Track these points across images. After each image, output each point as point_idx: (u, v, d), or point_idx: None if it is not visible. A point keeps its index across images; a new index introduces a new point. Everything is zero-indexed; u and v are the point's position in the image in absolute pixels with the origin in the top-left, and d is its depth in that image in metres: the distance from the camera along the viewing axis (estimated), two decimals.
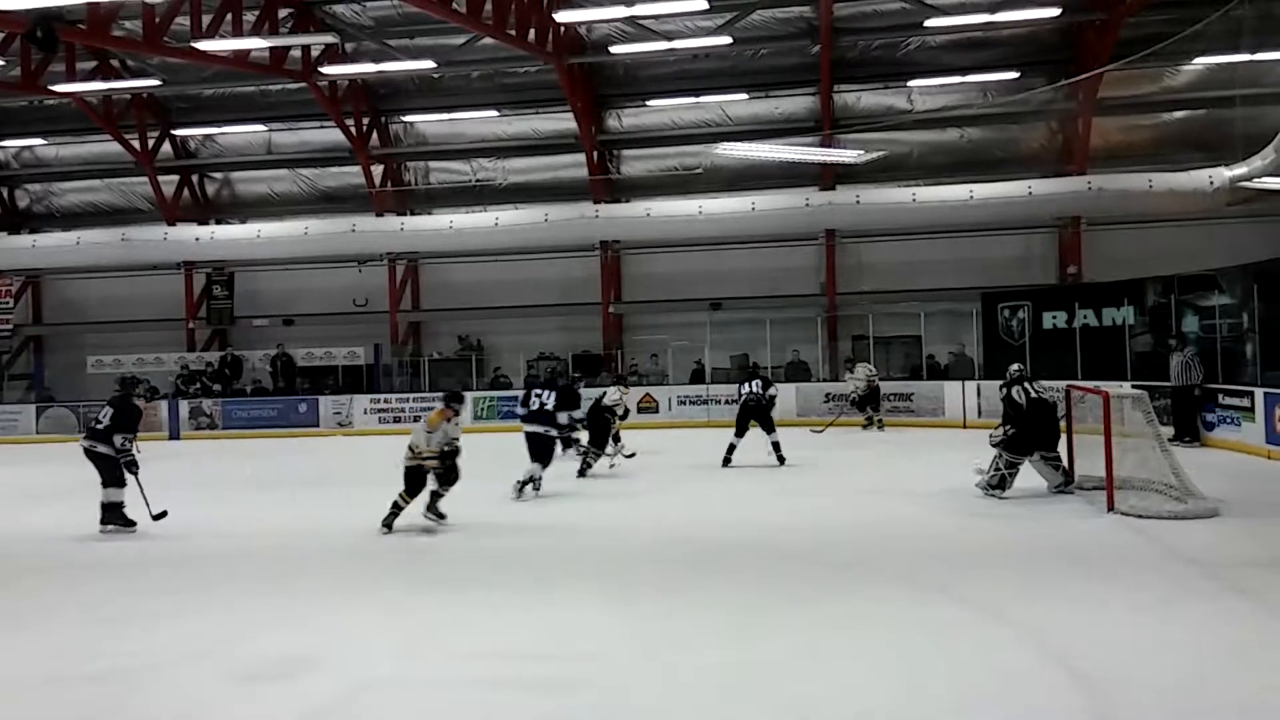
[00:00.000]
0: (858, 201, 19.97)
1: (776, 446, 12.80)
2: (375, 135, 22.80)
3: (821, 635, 5.58)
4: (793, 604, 6.22)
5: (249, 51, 18.57)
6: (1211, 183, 18.18)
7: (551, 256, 22.63)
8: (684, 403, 19.99)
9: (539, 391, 11.52)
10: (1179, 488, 8.79)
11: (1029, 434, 9.67)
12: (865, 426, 17.85)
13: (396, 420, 20.60)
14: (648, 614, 6.09)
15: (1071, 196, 19.40)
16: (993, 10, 17.32)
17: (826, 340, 20.95)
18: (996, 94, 20.21)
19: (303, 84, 20.60)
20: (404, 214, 23.14)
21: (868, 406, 17.94)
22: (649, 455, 14.58)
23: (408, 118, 22.81)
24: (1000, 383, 10.13)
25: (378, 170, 23.06)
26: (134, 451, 9.23)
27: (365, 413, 20.79)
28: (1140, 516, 8.44)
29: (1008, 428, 9.71)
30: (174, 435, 21.01)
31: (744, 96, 21.26)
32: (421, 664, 5.26)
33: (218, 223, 24.15)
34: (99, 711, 4.71)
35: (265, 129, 23.31)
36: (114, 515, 9.16)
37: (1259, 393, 12.52)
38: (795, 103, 21.39)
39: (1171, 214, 19.01)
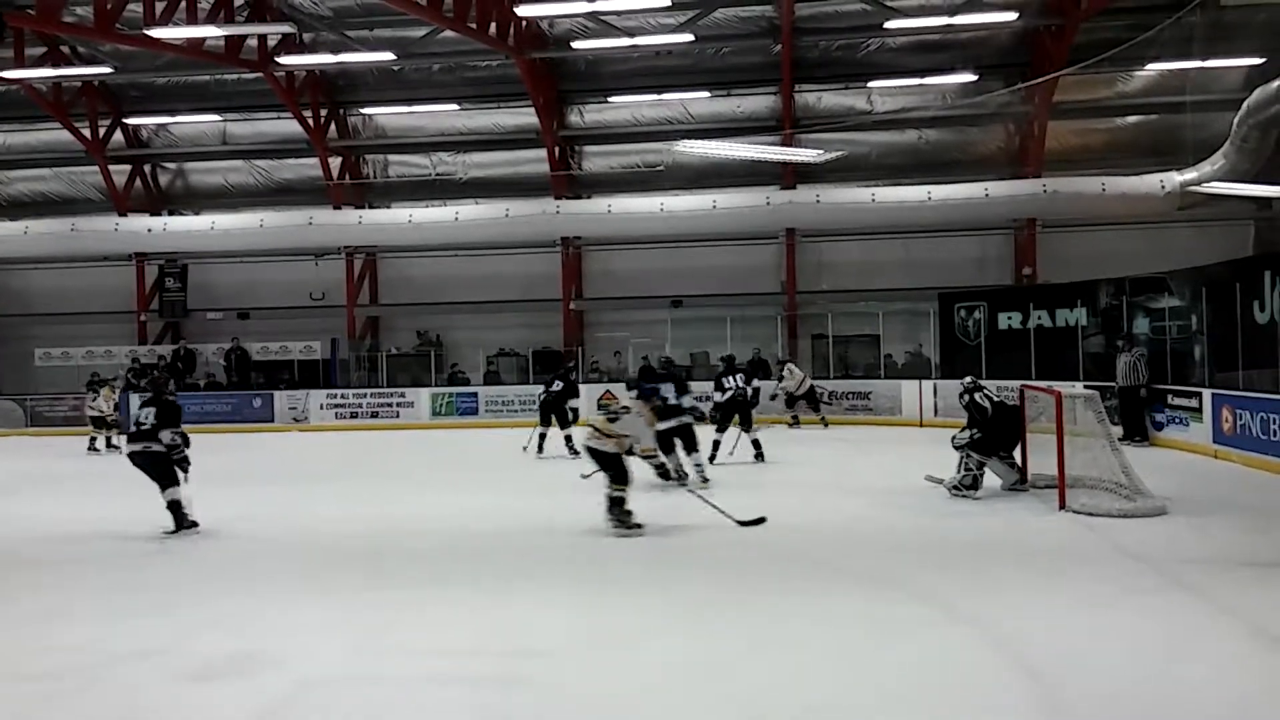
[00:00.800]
0: (818, 201, 20.11)
1: (757, 444, 12.63)
2: (333, 127, 22.51)
3: (776, 630, 5.60)
4: (749, 599, 6.24)
5: (204, 40, 18.26)
6: (1163, 187, 18.55)
7: (512, 252, 22.51)
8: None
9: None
10: (1128, 486, 8.94)
11: (995, 436, 9.86)
12: (791, 425, 18.04)
13: (353, 416, 20.40)
14: (601, 610, 6.08)
15: (1027, 199, 19.68)
16: (952, 13, 17.52)
17: (786, 338, 21.05)
18: (955, 96, 20.44)
19: (259, 74, 20.28)
20: (362, 207, 22.90)
21: (797, 405, 18.09)
22: None
23: (367, 110, 22.56)
24: (960, 390, 10.24)
25: (335, 162, 22.78)
26: (184, 448, 8.78)
27: (322, 408, 20.54)
28: (1090, 514, 8.58)
29: (974, 431, 9.87)
30: (125, 430, 20.58)
31: (706, 94, 21.30)
32: (373, 661, 5.20)
33: (171, 214, 23.69)
34: (46, 709, 4.61)
35: (220, 119, 22.92)
36: (179, 515, 8.66)
37: (1207, 394, 12.77)
38: (757, 102, 21.47)
39: (1124, 217, 19.36)
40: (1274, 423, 11.02)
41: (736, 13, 19.65)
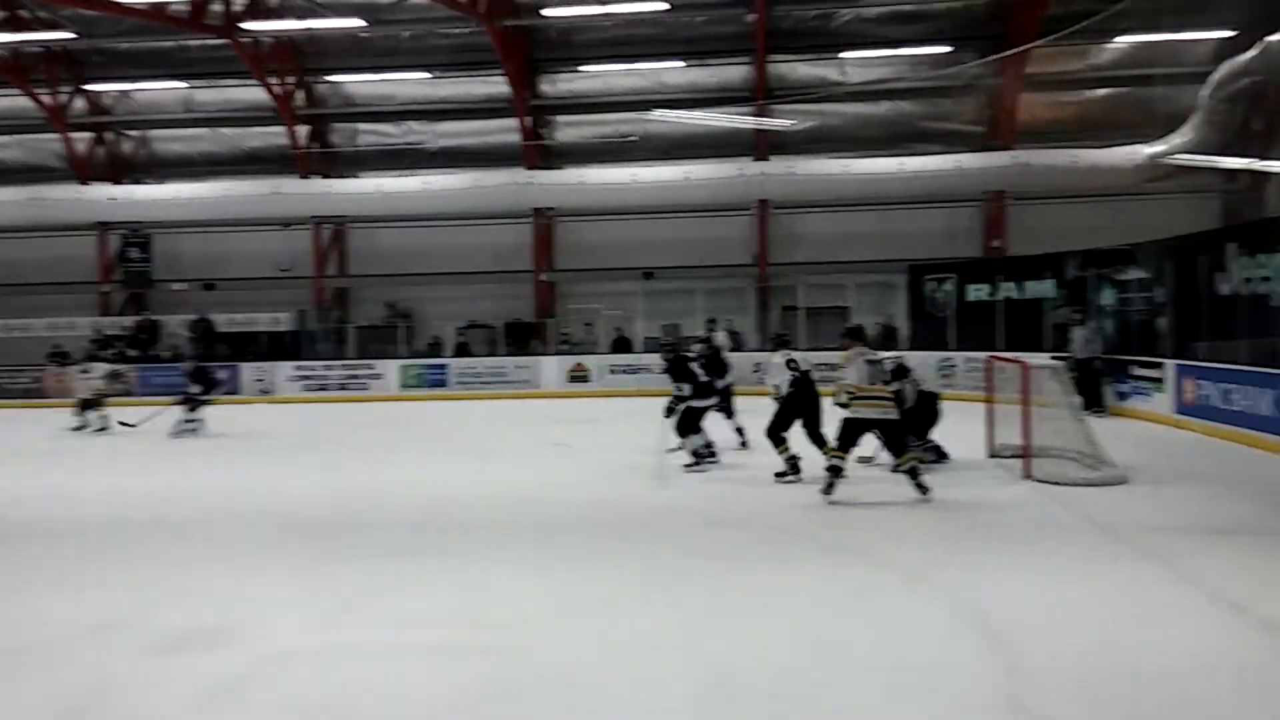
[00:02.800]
0: (791, 172, 20.08)
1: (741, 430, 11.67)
2: (301, 95, 22.18)
3: (745, 598, 5.62)
4: (718, 569, 6.26)
5: (167, 4, 17.86)
6: (1132, 159, 18.66)
7: (483, 223, 22.34)
8: (615, 371, 19.95)
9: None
10: (1092, 456, 9.05)
11: (911, 420, 9.70)
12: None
13: (321, 388, 20.23)
14: (571, 580, 6.07)
15: (998, 171, 19.76)
16: None
17: (758, 310, 21.08)
18: (928, 68, 20.42)
19: (224, 40, 19.89)
20: (331, 177, 22.62)
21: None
22: (579, 424, 14.61)
23: (335, 77, 22.23)
24: (889, 360, 9.86)
25: (303, 131, 22.47)
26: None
27: (289, 380, 20.35)
28: (1055, 484, 8.67)
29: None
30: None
31: (680, 64, 21.16)
32: (338, 633, 5.16)
33: (135, 182, 23.31)
34: (12, 684, 4.54)
35: (185, 86, 22.53)
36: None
37: (1170, 365, 12.92)
38: (731, 72, 21.36)
39: (1093, 189, 19.48)
40: (1234, 393, 11.18)
41: None
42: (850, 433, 8.20)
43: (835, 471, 8.11)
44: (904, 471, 8.13)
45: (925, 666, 4.51)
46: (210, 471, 10.95)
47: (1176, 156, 17.53)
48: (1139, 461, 9.44)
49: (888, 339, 18.01)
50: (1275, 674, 4.32)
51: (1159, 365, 13.18)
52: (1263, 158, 18.42)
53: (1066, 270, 16.37)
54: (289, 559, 6.82)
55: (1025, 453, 9.03)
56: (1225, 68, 16.08)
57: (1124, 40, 18.79)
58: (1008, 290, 17.43)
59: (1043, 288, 16.76)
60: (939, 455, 9.98)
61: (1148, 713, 3.97)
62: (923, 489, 7.92)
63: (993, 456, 10.10)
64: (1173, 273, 13.53)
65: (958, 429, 10.09)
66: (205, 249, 23.32)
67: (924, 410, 9.85)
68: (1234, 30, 17.45)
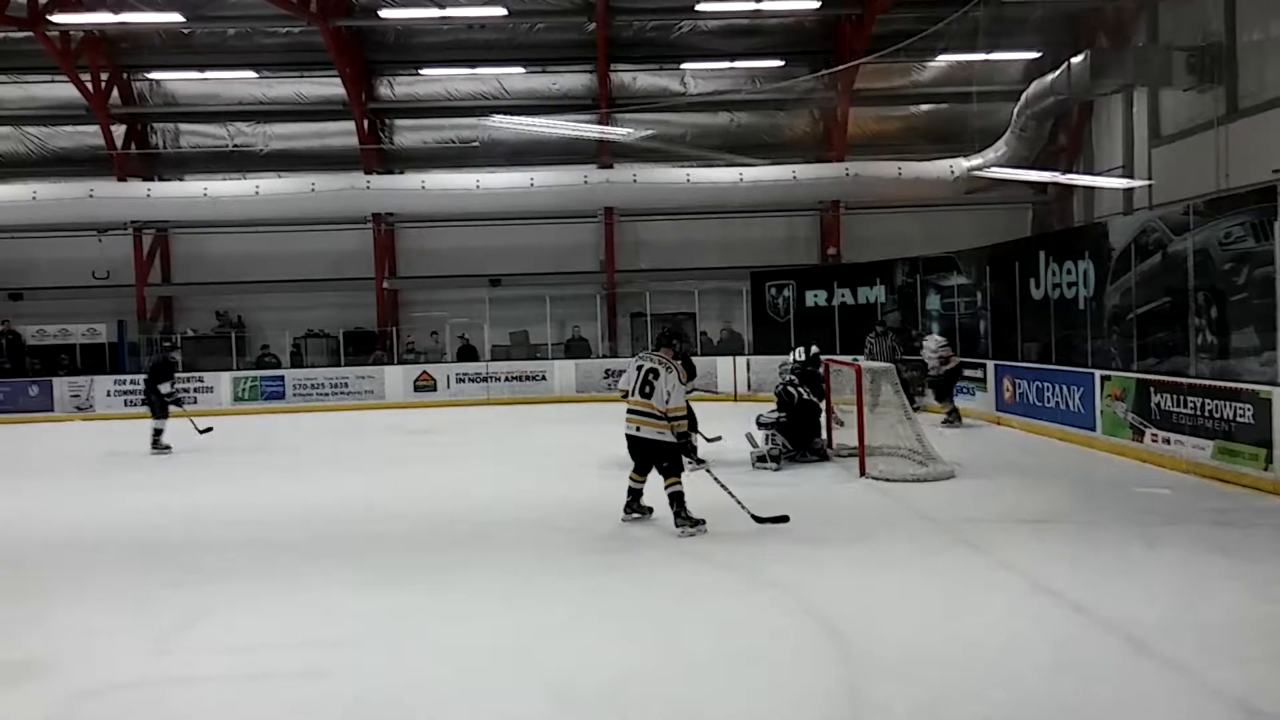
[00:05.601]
0: (635, 180, 20.29)
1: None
2: (116, 92, 20.82)
3: (584, 605, 5.61)
4: (558, 577, 6.23)
5: None
6: (952, 172, 19.79)
7: (320, 229, 21.57)
8: (462, 380, 19.62)
9: None
10: (922, 453, 9.52)
11: (797, 426, 10.35)
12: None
13: (144, 403, 18.96)
14: (409, 595, 5.91)
15: (831, 181, 20.54)
16: None
17: (606, 317, 21.17)
18: (764, 81, 21.04)
19: (29, 33, 18.47)
20: (151, 179, 21.33)
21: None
22: (420, 434, 14.32)
23: (154, 75, 20.98)
24: (783, 372, 10.68)
25: (119, 131, 21.09)
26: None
27: (109, 395, 19.02)
28: (888, 480, 9.08)
29: (781, 414, 10.37)
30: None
31: (521, 70, 21.04)
32: (167, 662, 4.85)
33: None
34: None
35: None
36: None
37: (990, 365, 13.75)
38: (573, 79, 21.39)
39: (918, 200, 20.55)
40: (1047, 391, 11.99)
41: None
42: (629, 450, 7.47)
43: (629, 493, 7.57)
44: (669, 494, 7.22)
45: (768, 660, 4.61)
46: (14, 495, 10.10)
47: (991, 170, 18.68)
48: (964, 457, 9.99)
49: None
50: (1084, 649, 4.63)
51: (980, 366, 13.99)
52: (1067, 171, 19.90)
53: (896, 276, 17.17)
54: (112, 585, 6.36)
55: (860, 451, 9.41)
56: (1034, 87, 17.23)
57: (943, 59, 19.90)
58: (843, 296, 18.14)
59: (875, 293, 17.54)
60: (821, 456, 10.38)
61: (973, 690, 4.17)
62: (685, 521, 7.12)
63: (820, 454, 10.49)
64: (991, 278, 14.38)
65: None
66: (10, 255, 21.53)
67: (806, 417, 10.46)
68: (1041, 52, 18.79)
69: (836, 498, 8.62)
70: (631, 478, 7.56)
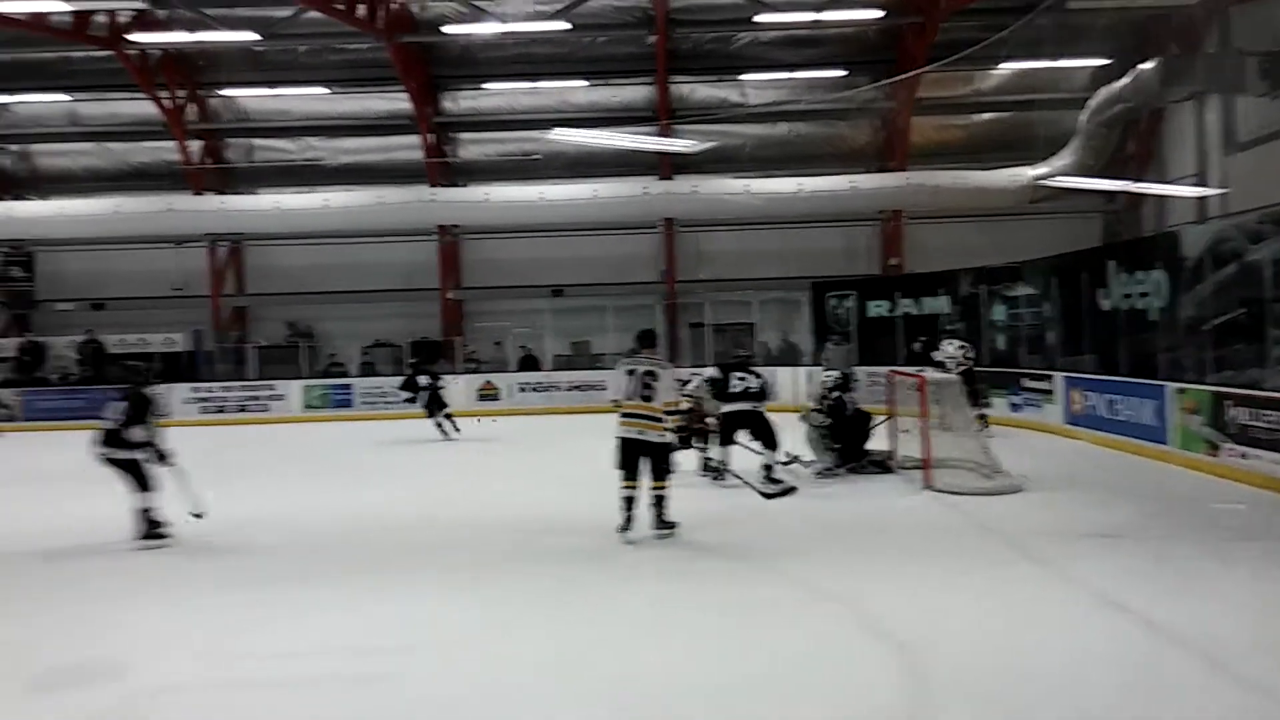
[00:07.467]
0: (694, 191, 20.37)
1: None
2: (192, 109, 21.51)
3: (645, 615, 5.65)
4: (618, 586, 6.29)
5: (48, 15, 17.16)
6: (1016, 181, 19.50)
7: (387, 241, 22.01)
8: (525, 389, 19.85)
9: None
10: (988, 466, 9.41)
11: (843, 434, 10.35)
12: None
13: (220, 410, 19.60)
14: (467, 602, 5.98)
15: (892, 191, 20.40)
16: (819, 9, 17.96)
17: (666, 327, 21.26)
18: (824, 91, 20.98)
19: (110, 51, 19.20)
20: (225, 193, 21.98)
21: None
22: (480, 442, 14.50)
23: (228, 91, 21.63)
24: (830, 384, 10.65)
25: (196, 146, 21.79)
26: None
27: (185, 402, 19.63)
28: (953, 493, 8.98)
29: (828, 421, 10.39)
30: None
31: (582, 83, 21.26)
32: (224, 666, 4.98)
33: (16, 199, 22.22)
34: None
35: (69, 99, 21.60)
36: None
37: (1059, 376, 13.53)
38: (633, 92, 21.56)
39: (982, 209, 20.28)
40: (1117, 403, 11.77)
41: (611, 2, 19.69)
42: (621, 457, 7.40)
43: (626, 503, 7.38)
44: (656, 495, 7.31)
45: (829, 675, 4.62)
46: (90, 501, 10.47)
47: (1057, 178, 18.39)
48: (1032, 470, 9.83)
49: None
50: (1158, 667, 4.57)
51: (1048, 377, 13.77)
52: (1137, 179, 19.51)
53: (960, 287, 16.99)
54: (175, 589, 6.56)
55: (925, 464, 9.34)
56: (1101, 94, 16.95)
57: (1007, 67, 19.65)
58: (906, 306, 17.99)
59: (938, 303, 17.36)
60: (882, 468, 10.31)
61: (1040, 712, 4.14)
62: (665, 525, 7.30)
63: (882, 465, 10.43)
64: (1058, 289, 14.16)
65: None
66: (92, 267, 22.38)
67: (858, 426, 10.35)
68: (1109, 59, 18.46)
69: (900, 511, 8.56)
70: (625, 485, 7.38)
